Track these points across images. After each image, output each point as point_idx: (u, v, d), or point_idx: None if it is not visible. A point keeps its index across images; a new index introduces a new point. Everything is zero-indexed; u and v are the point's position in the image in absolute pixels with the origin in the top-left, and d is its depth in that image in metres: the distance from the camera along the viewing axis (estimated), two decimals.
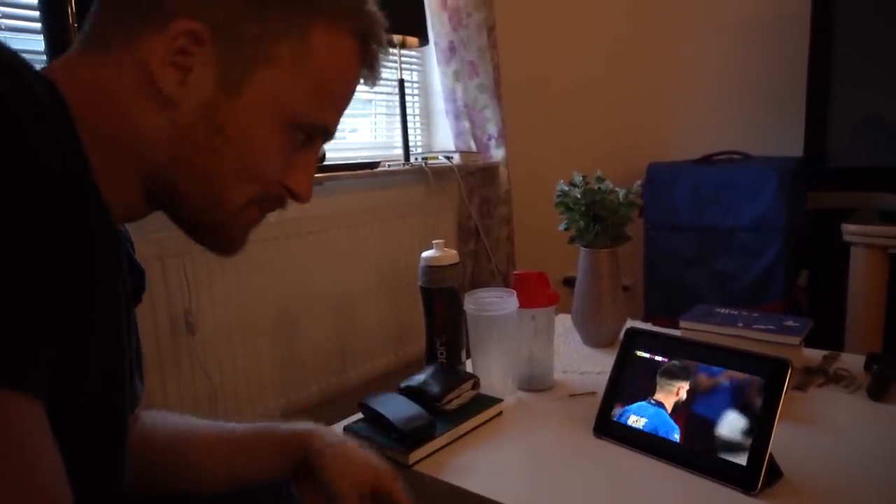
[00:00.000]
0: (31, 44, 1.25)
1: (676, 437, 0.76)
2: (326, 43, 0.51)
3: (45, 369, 0.36)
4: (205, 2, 0.47)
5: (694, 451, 0.74)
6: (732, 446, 0.71)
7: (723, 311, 1.12)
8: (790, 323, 1.03)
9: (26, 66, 0.40)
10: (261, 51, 0.48)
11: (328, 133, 0.56)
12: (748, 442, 0.70)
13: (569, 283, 2.52)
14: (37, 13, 1.14)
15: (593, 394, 0.95)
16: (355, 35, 0.53)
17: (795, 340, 0.98)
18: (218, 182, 0.50)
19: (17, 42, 1.26)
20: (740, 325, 1.03)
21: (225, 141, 0.48)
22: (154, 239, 1.31)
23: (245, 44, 0.48)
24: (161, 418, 0.69)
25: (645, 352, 0.86)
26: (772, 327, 1.01)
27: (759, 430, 0.70)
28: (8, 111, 0.35)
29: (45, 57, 1.13)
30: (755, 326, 1.02)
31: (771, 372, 0.72)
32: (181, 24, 0.46)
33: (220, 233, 0.54)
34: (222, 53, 0.47)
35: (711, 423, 0.74)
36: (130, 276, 0.55)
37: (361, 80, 0.58)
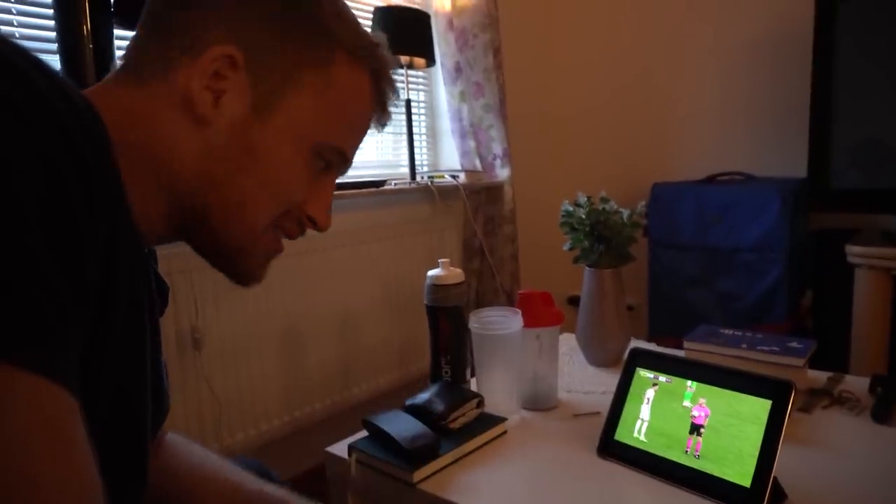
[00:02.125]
0: (48, 62, 1.27)
1: (681, 458, 0.76)
2: (347, 74, 0.55)
3: (76, 367, 0.37)
4: (239, 31, 0.50)
5: (698, 472, 0.74)
6: (736, 468, 0.71)
7: (727, 331, 1.12)
8: (794, 344, 1.03)
9: (74, 87, 0.41)
10: (290, 77, 0.52)
11: (346, 161, 0.59)
12: (752, 463, 0.70)
13: (573, 302, 2.52)
14: (53, 34, 1.16)
15: (597, 413, 0.96)
16: (370, 72, 0.57)
17: (800, 362, 0.98)
18: (244, 201, 0.52)
19: None
20: (744, 346, 1.03)
21: (253, 160, 0.51)
22: (162, 255, 1.32)
23: (276, 70, 0.52)
24: (186, 446, 0.71)
25: (649, 372, 0.86)
26: (776, 348, 1.01)
27: (764, 451, 0.70)
28: (55, 126, 0.36)
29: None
30: (759, 347, 1.02)
31: (775, 393, 0.72)
32: (218, 49, 0.49)
33: (241, 257, 0.56)
34: (254, 79, 0.51)
35: (716, 445, 0.74)
36: (157, 292, 0.57)
37: (373, 120, 0.61)
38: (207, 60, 0.49)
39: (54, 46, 1.18)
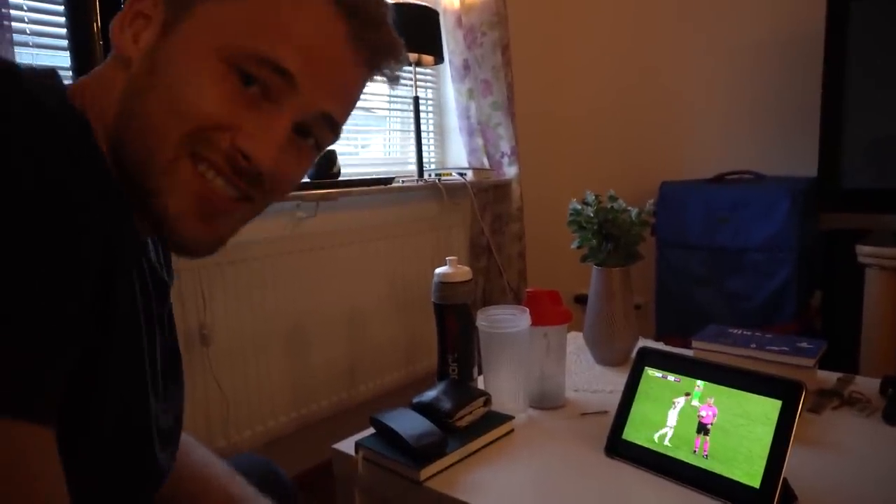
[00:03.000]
0: (59, 60, 1.28)
1: (689, 458, 0.76)
2: None
3: (53, 394, 0.36)
4: None
5: (707, 472, 0.73)
6: (746, 468, 0.70)
7: (735, 331, 1.11)
8: (804, 344, 1.02)
9: (49, 87, 0.41)
10: None
11: (280, 72, 0.48)
12: (762, 464, 0.69)
13: (580, 300, 2.52)
14: (64, 31, 1.17)
15: (605, 413, 0.95)
16: None
17: (810, 362, 0.97)
18: (148, 124, 0.46)
19: (45, 58, 1.29)
20: (753, 346, 1.03)
21: (157, 78, 0.47)
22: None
23: None
24: (187, 446, 0.70)
25: (657, 371, 0.86)
26: (785, 349, 1.01)
27: (773, 452, 0.69)
28: (22, 132, 0.35)
29: (71, 73, 1.16)
30: (768, 348, 1.01)
31: (785, 394, 0.72)
32: None
33: (159, 200, 0.47)
34: (167, 5, 0.48)
35: (725, 445, 0.74)
36: (155, 291, 0.56)
37: (360, 48, 0.52)
38: (129, 2, 0.49)
39: (65, 43, 1.19)
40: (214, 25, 0.47)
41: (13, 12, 1.20)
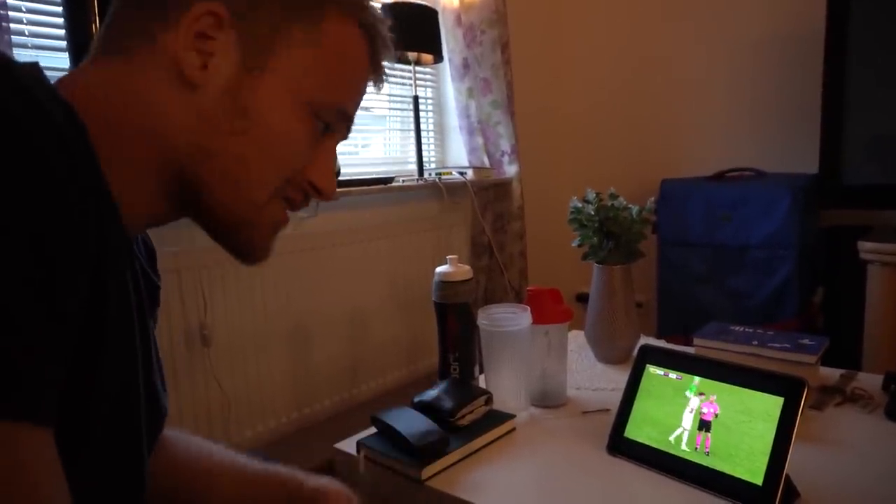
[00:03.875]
0: (57, 61, 1.28)
1: (691, 455, 0.76)
2: (339, 30, 0.52)
3: (52, 395, 0.36)
4: None
5: (709, 469, 0.73)
6: (748, 466, 0.70)
7: (737, 328, 1.11)
8: (806, 341, 1.02)
9: (40, 82, 0.40)
10: (279, 34, 0.49)
11: (347, 121, 0.56)
12: (764, 462, 0.69)
13: (581, 299, 2.51)
14: (62, 31, 1.17)
15: (607, 411, 0.95)
16: (363, 28, 0.54)
17: (812, 359, 0.97)
18: (243, 169, 0.49)
19: (43, 58, 1.29)
20: (755, 343, 1.02)
21: (248, 124, 0.48)
22: (170, 252, 1.32)
23: (264, 26, 0.49)
24: (183, 440, 0.70)
25: (659, 369, 0.85)
26: (787, 345, 1.00)
27: (776, 449, 0.69)
28: (17, 131, 0.34)
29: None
30: (770, 345, 1.01)
31: (787, 391, 0.72)
32: (201, 7, 0.46)
33: (245, 231, 0.52)
34: (242, 36, 0.48)
35: (727, 442, 0.74)
36: (147, 293, 0.56)
37: (371, 81, 0.59)
38: (191, 20, 0.46)
39: (63, 44, 1.19)
40: (299, 77, 0.50)
41: (11, 13, 1.20)
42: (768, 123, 2.24)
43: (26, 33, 1.27)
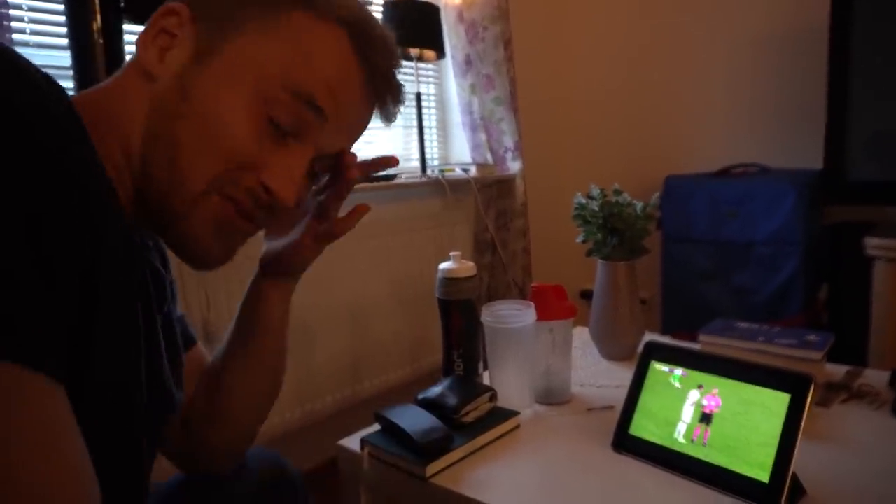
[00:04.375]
0: (59, 59, 1.27)
1: (697, 452, 0.75)
2: (304, 25, 0.52)
3: (62, 352, 0.36)
4: None
5: (715, 467, 0.73)
6: (754, 463, 0.70)
7: (743, 325, 1.11)
8: (812, 338, 1.01)
9: (47, 79, 0.41)
10: (232, 25, 0.50)
11: (318, 118, 0.52)
12: (770, 459, 0.69)
13: (585, 295, 2.51)
14: (64, 29, 1.17)
15: (611, 408, 0.95)
16: (343, 25, 0.53)
17: (818, 356, 0.97)
18: (180, 153, 0.48)
19: (44, 57, 1.29)
20: (761, 339, 1.02)
21: (189, 107, 0.48)
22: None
23: (217, 18, 0.50)
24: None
25: (664, 365, 0.85)
26: (793, 342, 1.00)
27: (782, 446, 0.69)
28: (18, 115, 0.35)
29: (71, 72, 1.15)
30: (776, 341, 1.00)
31: (793, 387, 0.71)
32: (164, 7, 0.50)
33: (181, 225, 0.50)
34: (199, 30, 0.50)
35: (732, 438, 0.73)
36: (155, 286, 0.56)
37: (372, 94, 0.57)
38: (155, 18, 0.50)
39: (65, 42, 1.18)
40: (250, 61, 0.49)
41: (13, 12, 1.19)
42: (773, 119, 2.23)
43: (28, 31, 1.27)
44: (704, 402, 0.78)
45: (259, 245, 0.67)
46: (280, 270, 0.68)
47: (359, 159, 0.62)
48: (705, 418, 0.77)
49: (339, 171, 0.62)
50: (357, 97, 0.55)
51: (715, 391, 0.78)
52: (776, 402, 0.72)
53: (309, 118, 0.52)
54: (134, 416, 0.49)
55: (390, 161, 0.68)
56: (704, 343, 1.07)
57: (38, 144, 0.35)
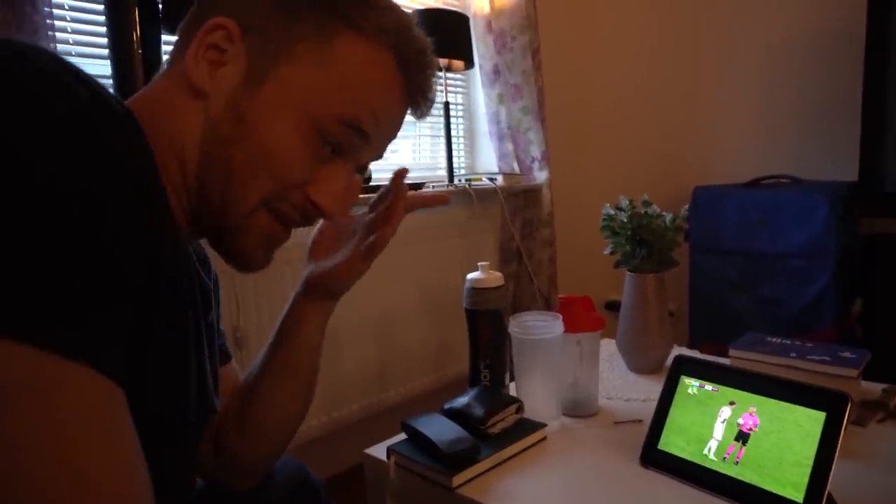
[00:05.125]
0: (99, 68, 1.31)
1: (729, 470, 0.74)
2: (355, 50, 0.53)
3: (123, 359, 0.37)
4: (240, 7, 0.51)
5: (747, 485, 0.72)
6: (788, 482, 0.68)
7: (774, 339, 1.09)
8: (847, 354, 0.99)
9: (113, 96, 0.42)
10: (284, 49, 0.51)
11: (362, 139, 0.55)
12: (805, 478, 0.67)
13: (611, 307, 2.49)
14: (105, 40, 1.20)
15: (640, 422, 0.94)
16: (391, 51, 0.55)
17: (853, 373, 0.94)
18: (234, 175, 0.50)
19: (85, 67, 1.33)
20: (793, 355, 1.00)
21: (243, 131, 0.50)
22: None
23: (271, 42, 0.51)
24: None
25: (694, 380, 0.84)
26: (827, 358, 0.98)
27: (818, 465, 0.67)
28: (96, 136, 0.37)
29: (111, 80, 1.18)
30: (809, 357, 0.98)
31: (829, 406, 0.70)
32: (213, 21, 0.50)
33: (231, 235, 0.53)
34: (250, 49, 0.51)
35: (766, 457, 0.72)
36: (201, 294, 0.57)
37: (409, 104, 0.59)
38: (203, 33, 0.50)
39: (106, 52, 1.22)
40: (302, 89, 0.51)
41: (57, 23, 1.23)
42: (805, 129, 2.19)
43: (71, 42, 1.31)
44: (741, 421, 0.76)
45: (293, 251, 0.69)
46: (325, 291, 0.71)
47: (411, 189, 0.68)
48: (742, 437, 0.75)
49: (390, 197, 0.67)
50: (396, 112, 0.58)
51: (752, 409, 0.76)
52: (810, 421, 0.70)
53: (354, 141, 0.54)
54: (185, 422, 0.51)
55: (444, 198, 0.75)
56: (734, 358, 1.06)
57: (110, 149, 0.37)
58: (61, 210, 0.33)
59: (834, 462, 0.66)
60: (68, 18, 1.30)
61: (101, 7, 1.21)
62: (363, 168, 0.61)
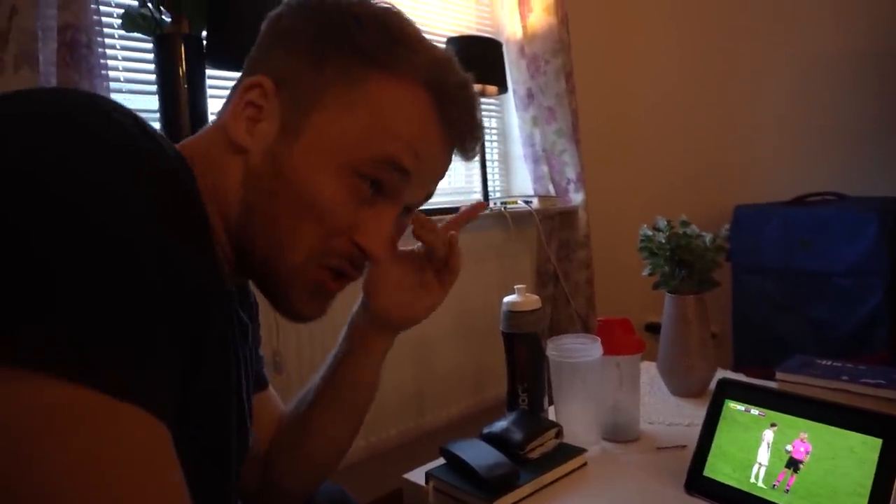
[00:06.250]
0: (147, 103, 1.37)
1: (779, 498, 0.71)
2: (383, 89, 0.53)
3: (171, 397, 0.38)
4: (274, 65, 0.53)
5: None
6: None
7: (824, 362, 1.05)
8: None
9: (167, 141, 0.45)
10: (314, 96, 0.52)
11: (403, 177, 0.54)
12: None
13: (651, 328, 2.44)
14: (153, 76, 1.26)
15: (683, 447, 0.91)
16: (423, 84, 0.54)
17: None
18: (279, 228, 0.51)
19: (135, 101, 1.39)
20: (845, 378, 0.96)
21: (281, 184, 0.51)
22: None
23: (302, 93, 0.52)
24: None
25: (740, 404, 0.81)
26: (882, 381, 0.94)
27: (875, 494, 0.64)
28: (155, 178, 0.39)
29: (158, 115, 1.24)
30: (863, 380, 0.94)
31: (886, 431, 0.67)
32: (249, 80, 0.53)
33: (280, 290, 0.54)
34: (284, 104, 0.52)
35: (819, 485, 0.69)
36: (239, 330, 0.58)
37: (451, 138, 0.58)
38: (241, 92, 0.52)
39: (153, 88, 1.27)
40: (335, 136, 0.51)
41: (111, 62, 1.29)
42: (851, 143, 2.13)
43: (122, 80, 1.37)
44: (790, 448, 0.74)
45: None
46: (396, 324, 0.75)
47: (446, 213, 0.68)
48: (793, 464, 0.73)
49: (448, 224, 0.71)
50: (438, 149, 0.57)
51: (804, 436, 0.74)
52: (865, 448, 0.68)
53: (394, 179, 0.54)
54: (228, 455, 0.52)
55: (482, 205, 0.79)
56: (781, 381, 1.02)
57: (172, 200, 0.39)
58: (125, 254, 0.35)
59: (894, 490, 0.63)
60: (120, 58, 1.37)
61: (150, 45, 1.27)
62: (412, 209, 0.61)
